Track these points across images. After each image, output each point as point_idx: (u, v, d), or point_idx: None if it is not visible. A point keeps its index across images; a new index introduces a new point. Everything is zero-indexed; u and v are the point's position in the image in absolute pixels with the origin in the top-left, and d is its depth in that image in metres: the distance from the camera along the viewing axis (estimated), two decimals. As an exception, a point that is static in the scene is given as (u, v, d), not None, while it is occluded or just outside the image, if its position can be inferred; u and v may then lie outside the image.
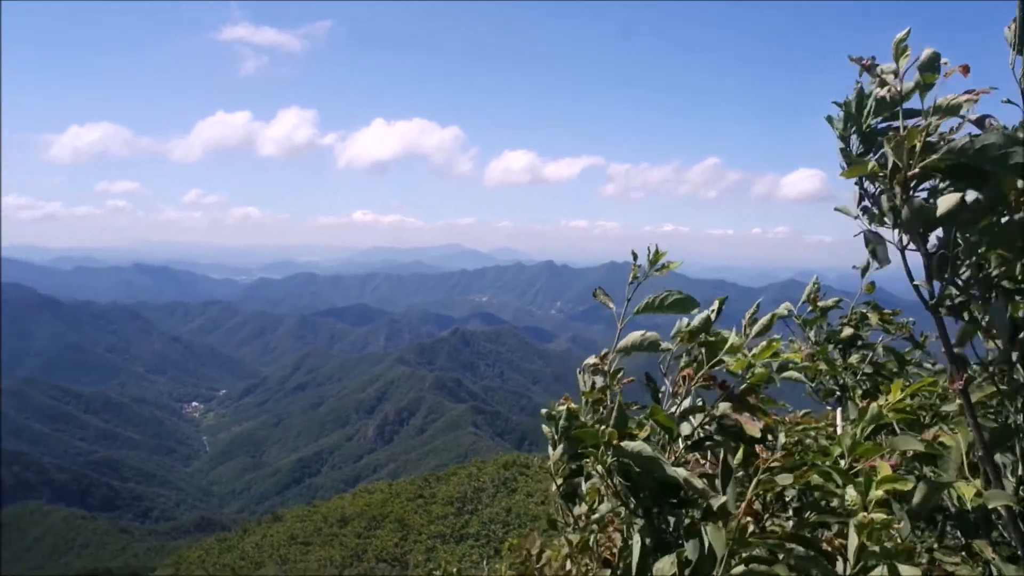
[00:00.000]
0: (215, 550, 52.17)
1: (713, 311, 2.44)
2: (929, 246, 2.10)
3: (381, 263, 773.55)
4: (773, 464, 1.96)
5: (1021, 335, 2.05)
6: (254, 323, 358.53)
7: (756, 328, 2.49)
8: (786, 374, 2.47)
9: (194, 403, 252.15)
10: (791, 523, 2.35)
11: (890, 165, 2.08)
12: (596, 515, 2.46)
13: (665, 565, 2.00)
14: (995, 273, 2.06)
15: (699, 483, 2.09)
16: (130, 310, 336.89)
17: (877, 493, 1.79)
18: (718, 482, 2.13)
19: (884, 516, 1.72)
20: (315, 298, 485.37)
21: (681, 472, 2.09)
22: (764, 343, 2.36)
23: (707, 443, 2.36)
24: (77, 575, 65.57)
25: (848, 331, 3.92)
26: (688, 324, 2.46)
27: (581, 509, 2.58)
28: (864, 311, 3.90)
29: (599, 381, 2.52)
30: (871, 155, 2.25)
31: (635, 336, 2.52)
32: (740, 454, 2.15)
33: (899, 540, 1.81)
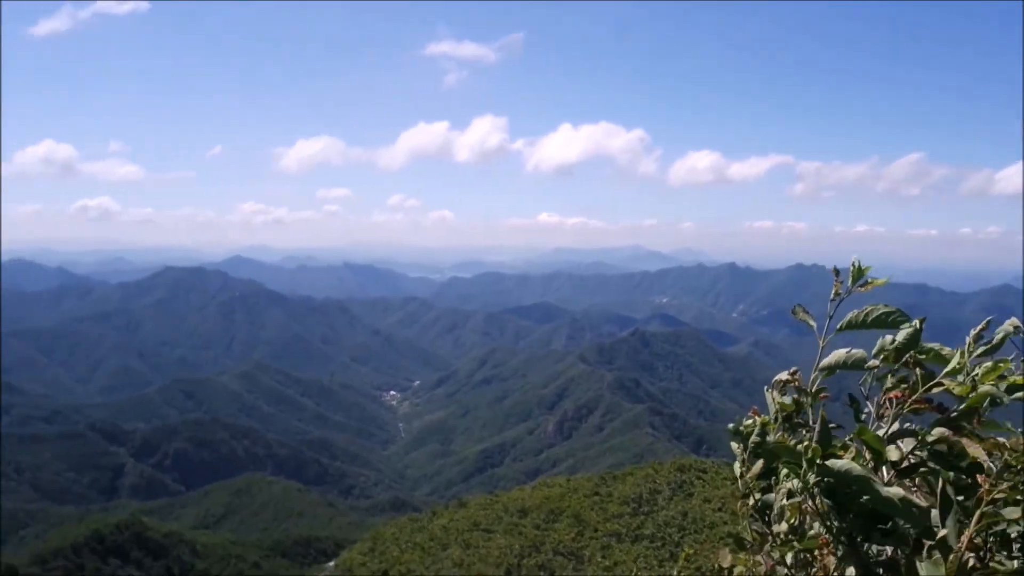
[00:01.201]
0: (407, 529, 54.55)
1: (916, 326, 2.16)
2: None
3: (564, 263, 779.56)
4: (998, 496, 1.66)
5: None
6: (446, 319, 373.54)
7: (983, 347, 2.15)
8: (1019, 394, 2.09)
9: (392, 392, 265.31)
10: (1016, 562, 1.97)
11: None
12: (811, 533, 2.20)
13: None
14: None
15: (921, 502, 1.85)
16: (340, 305, 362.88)
17: None
18: (933, 513, 1.87)
19: None
20: (502, 296, 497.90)
21: (897, 491, 1.85)
22: (990, 363, 2.05)
23: (919, 470, 2.07)
24: (295, 540, 70.98)
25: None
26: (893, 340, 2.18)
27: (781, 527, 2.32)
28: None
29: (788, 399, 2.31)
30: None
31: (839, 354, 2.25)
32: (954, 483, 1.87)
33: None
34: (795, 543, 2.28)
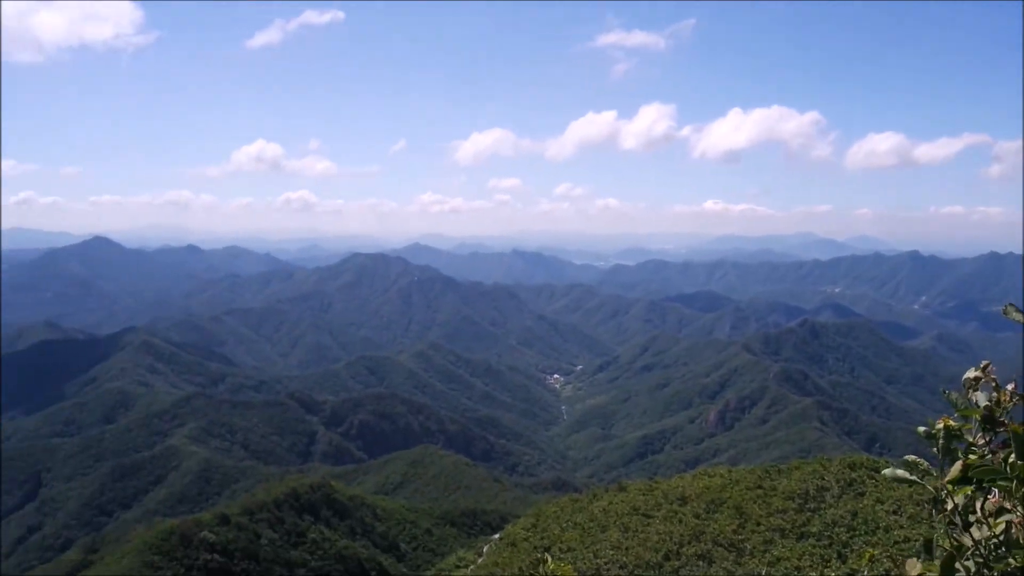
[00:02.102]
0: (568, 509, 54.69)
1: None
2: None
3: (730, 251, 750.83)
4: None
5: None
6: (609, 305, 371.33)
7: None
8: None
9: (555, 375, 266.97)
10: None
11: None
12: None
13: None
14: None
15: None
16: (508, 290, 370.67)
17: None
18: None
19: None
20: (665, 284, 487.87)
21: None
22: None
23: None
24: (463, 511, 73.54)
25: None
26: None
27: (982, 533, 2.06)
28: None
29: (982, 398, 2.04)
30: None
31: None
32: None
33: None
34: (1011, 558, 1.96)
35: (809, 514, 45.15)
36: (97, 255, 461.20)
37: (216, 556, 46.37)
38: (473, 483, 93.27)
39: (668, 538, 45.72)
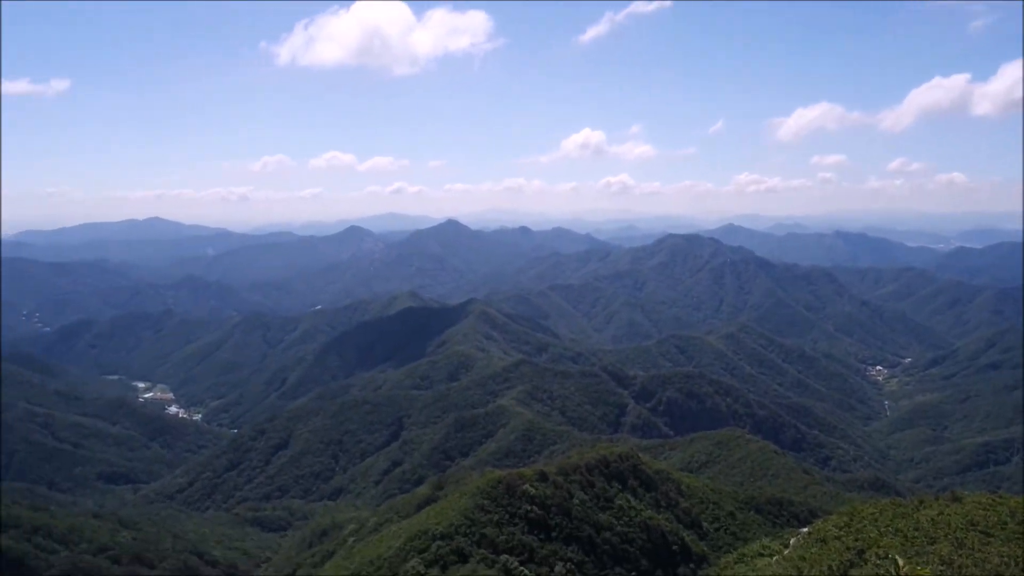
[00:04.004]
0: (888, 513, 48.80)
1: None
2: None
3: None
4: None
5: None
6: (948, 293, 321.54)
7: None
8: None
9: (878, 367, 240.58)
10: None
11: None
12: None
13: None
14: None
15: None
16: (827, 273, 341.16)
17: None
18: None
19: None
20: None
21: None
22: None
23: None
24: (774, 498, 70.00)
25: None
26: None
27: None
28: None
29: None
30: None
31: None
32: None
33: None
34: None
35: None
36: (449, 236, 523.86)
37: (535, 508, 50.23)
38: (780, 472, 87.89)
39: (1013, 562, 38.74)
